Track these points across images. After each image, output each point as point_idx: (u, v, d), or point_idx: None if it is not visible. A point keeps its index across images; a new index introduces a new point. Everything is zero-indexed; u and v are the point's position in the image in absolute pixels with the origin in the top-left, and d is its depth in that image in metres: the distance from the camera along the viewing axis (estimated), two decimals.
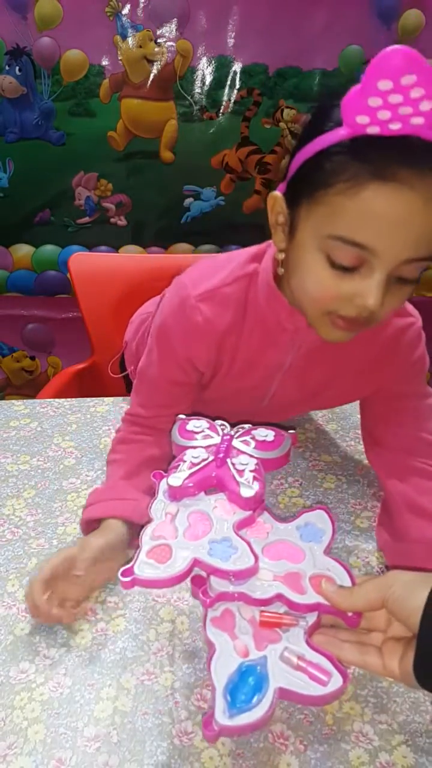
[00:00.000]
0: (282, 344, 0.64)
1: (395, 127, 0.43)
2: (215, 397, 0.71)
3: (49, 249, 1.72)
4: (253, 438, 0.62)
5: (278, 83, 1.58)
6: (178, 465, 0.58)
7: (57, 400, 0.88)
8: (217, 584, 0.47)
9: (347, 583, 0.47)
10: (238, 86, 1.58)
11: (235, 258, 0.66)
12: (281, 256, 0.57)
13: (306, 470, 0.75)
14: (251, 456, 0.59)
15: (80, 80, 1.52)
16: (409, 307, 0.66)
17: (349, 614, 0.45)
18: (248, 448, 0.60)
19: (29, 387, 1.94)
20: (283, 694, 0.42)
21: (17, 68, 1.49)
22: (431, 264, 0.51)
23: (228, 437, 0.62)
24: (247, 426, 0.64)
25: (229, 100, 1.60)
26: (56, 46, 1.48)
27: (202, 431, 0.63)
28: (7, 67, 1.49)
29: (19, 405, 0.86)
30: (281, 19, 1.51)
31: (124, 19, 1.49)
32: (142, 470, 0.65)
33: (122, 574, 0.47)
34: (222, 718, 0.40)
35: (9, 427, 0.81)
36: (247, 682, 0.42)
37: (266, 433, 0.62)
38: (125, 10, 1.49)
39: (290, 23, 1.52)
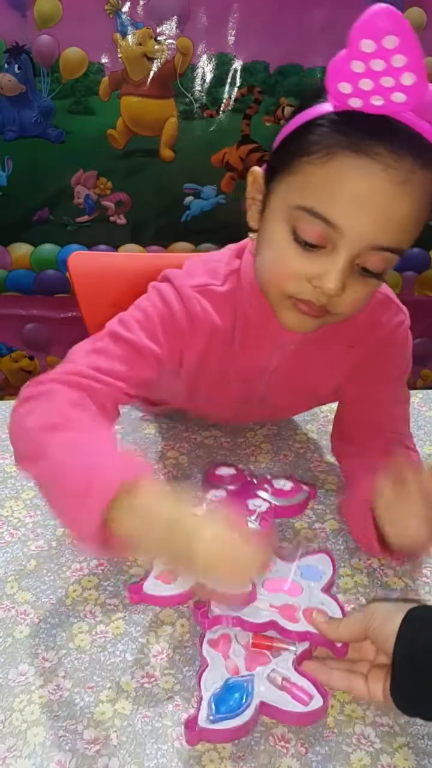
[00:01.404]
0: (266, 346, 0.61)
1: (377, 102, 0.43)
2: (202, 398, 0.69)
3: (48, 248, 1.71)
4: (270, 485, 0.67)
5: (279, 81, 1.57)
6: (199, 504, 0.60)
7: None
8: (217, 608, 0.50)
9: (338, 617, 0.51)
10: (238, 84, 1.58)
11: (220, 256, 0.64)
12: (254, 236, 0.55)
13: (307, 471, 0.74)
14: (264, 500, 0.64)
15: (79, 78, 1.52)
16: (397, 301, 0.65)
17: (338, 645, 0.48)
18: (265, 493, 0.66)
19: None
20: (264, 708, 0.45)
21: (16, 66, 1.49)
22: (396, 259, 0.49)
23: (248, 481, 0.68)
24: (268, 475, 0.69)
25: (230, 97, 1.59)
26: (55, 43, 1.48)
27: (229, 476, 0.69)
28: (6, 65, 1.48)
29: None
30: (282, 17, 1.50)
31: (123, 16, 1.49)
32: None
33: (130, 590, 0.53)
34: (204, 722, 0.43)
35: (8, 427, 0.81)
36: (233, 695, 0.45)
37: (284, 483, 0.67)
38: (125, 8, 1.48)
39: (291, 21, 1.51)
